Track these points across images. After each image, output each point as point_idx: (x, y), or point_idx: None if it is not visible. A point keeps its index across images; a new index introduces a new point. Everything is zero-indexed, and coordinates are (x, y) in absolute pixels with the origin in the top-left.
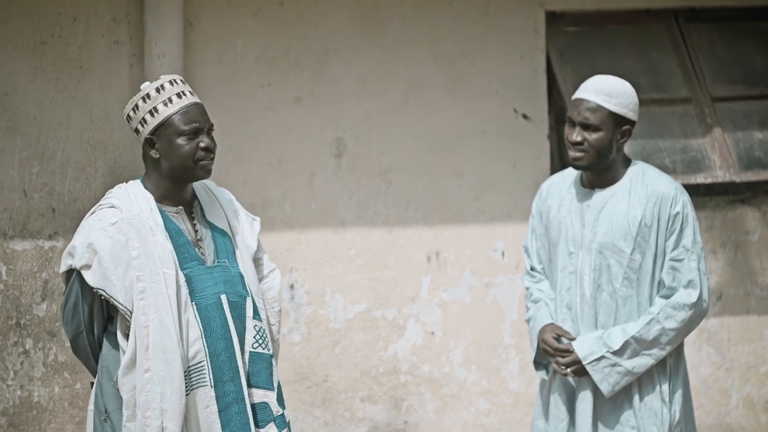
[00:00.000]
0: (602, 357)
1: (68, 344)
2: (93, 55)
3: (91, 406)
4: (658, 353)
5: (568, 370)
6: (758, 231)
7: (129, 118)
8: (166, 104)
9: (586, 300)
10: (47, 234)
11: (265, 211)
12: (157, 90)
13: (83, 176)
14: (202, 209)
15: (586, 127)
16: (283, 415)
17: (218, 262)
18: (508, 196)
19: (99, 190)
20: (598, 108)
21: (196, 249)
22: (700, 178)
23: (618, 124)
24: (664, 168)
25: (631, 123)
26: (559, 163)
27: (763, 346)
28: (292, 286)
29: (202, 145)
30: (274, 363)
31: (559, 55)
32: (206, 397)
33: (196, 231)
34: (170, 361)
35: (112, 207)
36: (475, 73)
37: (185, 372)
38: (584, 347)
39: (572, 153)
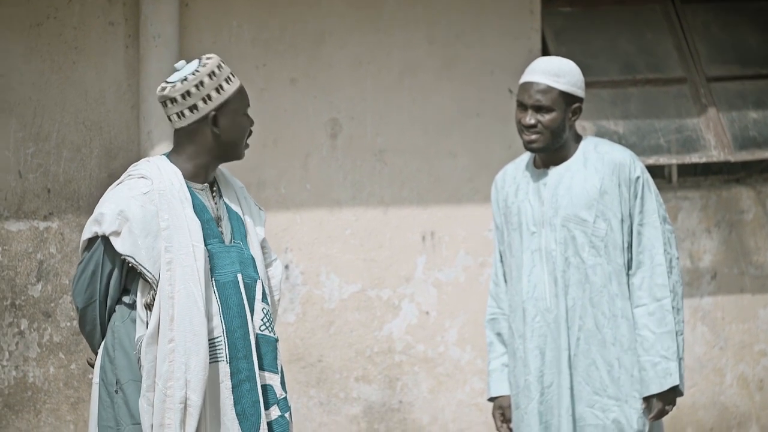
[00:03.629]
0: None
1: (63, 324)
2: (88, 37)
3: (96, 379)
4: (681, 321)
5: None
6: (753, 210)
7: (187, 94)
8: (228, 82)
9: (555, 275)
10: (42, 215)
11: (260, 192)
12: (219, 68)
13: (78, 157)
14: (220, 190)
15: (538, 109)
16: (285, 398)
17: (234, 242)
18: None
19: (94, 171)
20: (549, 89)
21: (217, 226)
22: (694, 158)
23: (569, 103)
24: (659, 148)
25: (581, 101)
26: None
27: (757, 325)
28: (287, 267)
29: (251, 122)
30: (278, 347)
31: (555, 36)
32: (221, 373)
33: (217, 209)
34: (197, 332)
35: (143, 177)
36: (470, 54)
37: None
38: (654, 387)
39: (526, 136)
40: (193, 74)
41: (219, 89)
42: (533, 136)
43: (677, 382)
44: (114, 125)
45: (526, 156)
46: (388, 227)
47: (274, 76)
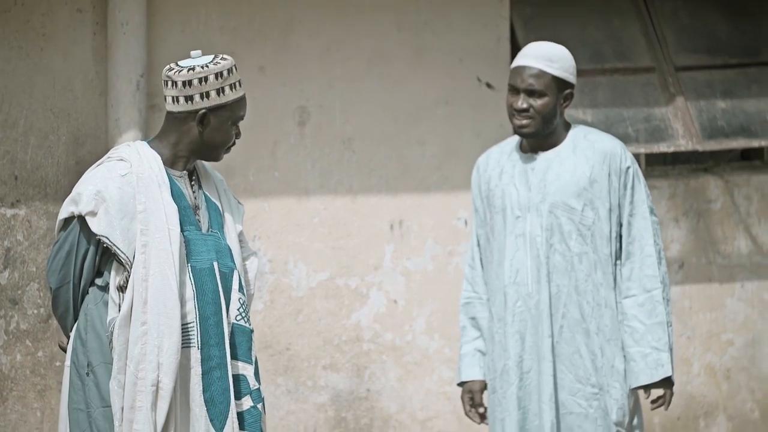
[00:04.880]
0: (662, 365)
1: (30, 312)
2: (56, 23)
3: (68, 362)
4: (670, 313)
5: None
6: (720, 200)
7: (188, 83)
8: (232, 88)
9: (539, 260)
10: (9, 202)
11: (228, 179)
12: (229, 71)
13: (46, 144)
14: (199, 180)
15: (530, 93)
16: (258, 389)
17: (211, 231)
18: (472, 165)
19: (62, 158)
20: (542, 74)
21: (195, 214)
22: (663, 147)
23: (561, 88)
24: (627, 137)
25: (572, 87)
26: None
27: (724, 315)
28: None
29: (237, 135)
30: (253, 338)
31: (523, 24)
32: (192, 358)
33: (195, 197)
34: (170, 315)
35: (122, 160)
36: (438, 42)
37: None
38: (644, 378)
39: (517, 121)
40: (202, 68)
41: (220, 91)
42: (524, 121)
43: (670, 373)
44: (82, 112)
45: (512, 140)
46: (357, 215)
47: (242, 64)
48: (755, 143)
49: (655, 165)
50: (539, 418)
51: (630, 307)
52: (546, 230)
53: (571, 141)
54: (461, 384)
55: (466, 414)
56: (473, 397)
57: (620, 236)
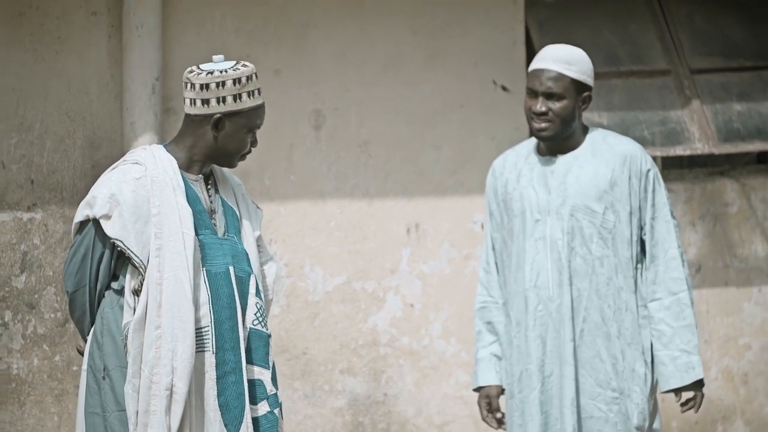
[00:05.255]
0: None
1: (47, 316)
2: (71, 26)
3: (85, 366)
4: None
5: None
6: (737, 203)
7: (205, 86)
8: (250, 96)
9: (560, 264)
10: (26, 206)
11: (244, 183)
12: (248, 78)
13: (62, 147)
14: (216, 184)
15: (549, 96)
16: (276, 394)
17: (228, 235)
18: (487, 169)
19: (78, 162)
20: (560, 76)
21: (210, 218)
22: (678, 150)
23: (579, 91)
24: (642, 140)
25: (590, 90)
26: None
27: (741, 319)
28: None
29: (254, 143)
30: (270, 343)
31: (538, 27)
32: (207, 363)
33: (211, 201)
34: (184, 319)
35: (137, 163)
36: (453, 45)
37: None
38: (674, 382)
39: (536, 124)
40: (221, 72)
41: (237, 98)
42: (543, 124)
43: (701, 376)
44: (97, 116)
45: (528, 143)
46: (373, 219)
47: (257, 67)
48: None
49: (671, 168)
50: (561, 422)
51: (656, 311)
52: (567, 233)
53: (589, 144)
54: (478, 389)
55: (483, 419)
56: (490, 402)
57: (641, 240)
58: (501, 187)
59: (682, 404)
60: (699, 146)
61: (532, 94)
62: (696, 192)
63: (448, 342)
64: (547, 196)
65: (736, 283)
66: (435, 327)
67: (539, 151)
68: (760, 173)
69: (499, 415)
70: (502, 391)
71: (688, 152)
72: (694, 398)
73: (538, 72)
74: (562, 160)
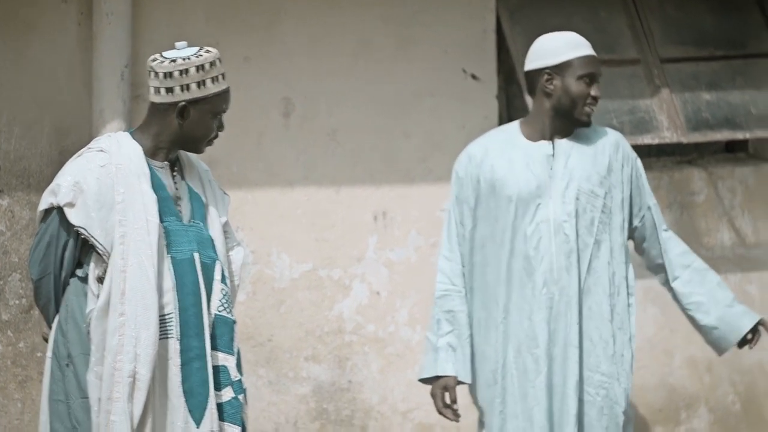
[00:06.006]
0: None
1: (12, 302)
2: (41, 13)
3: (49, 353)
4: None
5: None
6: (704, 192)
7: (168, 75)
8: (214, 81)
9: (567, 246)
10: None
11: (212, 171)
12: (211, 64)
13: (30, 134)
14: (182, 170)
15: (598, 80)
16: (240, 380)
17: (193, 222)
18: (456, 157)
19: (45, 149)
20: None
21: (175, 205)
22: (647, 139)
23: None
24: (612, 129)
25: None
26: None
27: None
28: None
29: (220, 127)
30: (236, 329)
31: (509, 15)
32: (171, 349)
33: (177, 188)
34: (148, 306)
35: (101, 151)
36: (424, 33)
37: None
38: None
39: (588, 109)
40: (184, 60)
41: (201, 84)
42: (593, 109)
43: (759, 316)
44: (66, 103)
45: (502, 129)
46: (340, 207)
47: (227, 54)
48: (739, 135)
49: (640, 157)
50: (563, 406)
51: (682, 287)
52: (572, 217)
53: (579, 130)
54: (432, 379)
55: (440, 411)
56: (449, 393)
57: (630, 225)
58: (486, 173)
59: (748, 342)
60: (668, 135)
61: (590, 78)
62: (664, 180)
63: (414, 329)
64: (549, 180)
65: None
66: (401, 314)
67: (527, 136)
68: (727, 162)
69: (456, 407)
70: (458, 382)
71: (656, 141)
72: (757, 332)
73: (592, 58)
74: (561, 144)
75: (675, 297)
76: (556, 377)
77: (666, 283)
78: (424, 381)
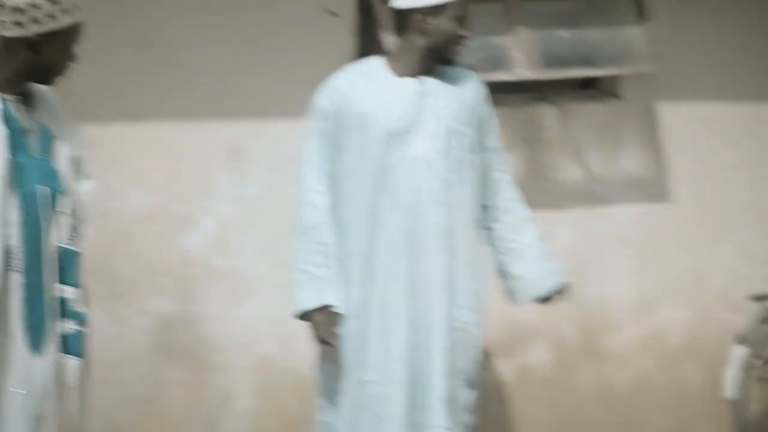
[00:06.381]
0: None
1: None
2: None
3: None
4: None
5: None
6: (554, 128)
7: (18, 10)
8: (66, 13)
9: (439, 183)
10: None
11: (64, 103)
12: None
13: None
14: (33, 104)
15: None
16: (83, 313)
17: (42, 155)
18: (312, 93)
19: None
20: None
21: (25, 138)
22: (503, 76)
23: None
24: (469, 65)
25: None
26: None
27: (554, 243)
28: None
29: (72, 59)
30: (80, 262)
31: None
32: (13, 282)
33: (27, 121)
34: None
35: None
36: None
37: None
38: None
39: (459, 47)
40: None
41: (53, 16)
42: (462, 48)
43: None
44: None
45: (365, 63)
46: (192, 142)
47: None
48: (593, 72)
49: (494, 93)
50: (428, 340)
51: (502, 230)
52: (441, 154)
53: (441, 69)
54: (317, 309)
55: (323, 340)
56: (334, 320)
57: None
58: (351, 106)
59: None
60: (522, 72)
61: (461, 20)
62: (517, 117)
63: (262, 264)
64: (418, 116)
65: (551, 207)
66: (249, 250)
67: (394, 72)
68: (578, 99)
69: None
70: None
71: (512, 78)
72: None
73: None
74: (428, 82)
75: (490, 238)
76: (420, 313)
77: (484, 222)
78: (303, 315)
